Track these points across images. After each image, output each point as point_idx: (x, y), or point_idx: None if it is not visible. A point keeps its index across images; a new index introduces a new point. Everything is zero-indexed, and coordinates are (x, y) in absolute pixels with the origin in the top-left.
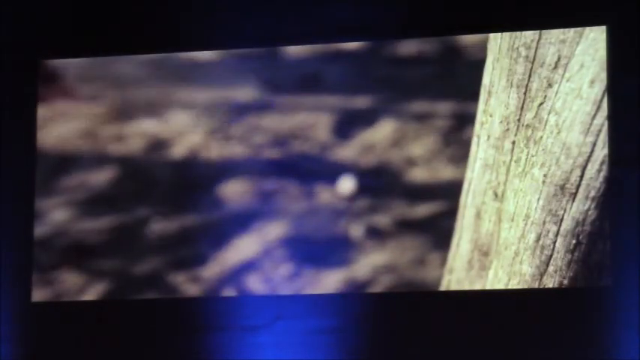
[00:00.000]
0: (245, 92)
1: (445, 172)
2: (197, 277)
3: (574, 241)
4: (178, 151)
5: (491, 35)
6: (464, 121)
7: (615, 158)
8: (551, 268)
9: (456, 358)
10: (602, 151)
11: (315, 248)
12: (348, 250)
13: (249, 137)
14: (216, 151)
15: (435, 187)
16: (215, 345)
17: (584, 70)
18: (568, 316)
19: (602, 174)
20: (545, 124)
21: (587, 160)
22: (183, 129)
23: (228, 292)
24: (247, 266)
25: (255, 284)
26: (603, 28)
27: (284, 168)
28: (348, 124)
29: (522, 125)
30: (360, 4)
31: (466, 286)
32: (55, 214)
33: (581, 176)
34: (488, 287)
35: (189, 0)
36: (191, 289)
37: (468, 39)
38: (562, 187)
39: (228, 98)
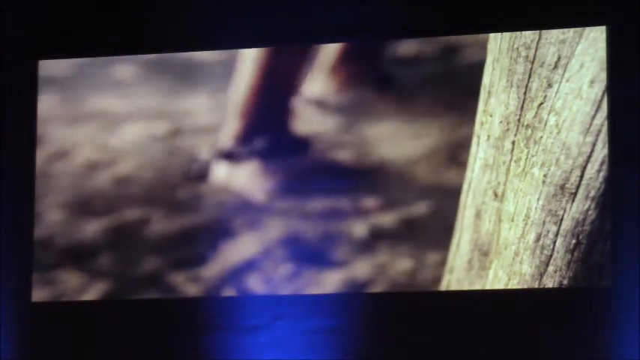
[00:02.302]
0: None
1: (445, 172)
2: (197, 277)
3: (574, 241)
4: (179, 150)
5: (491, 35)
6: (464, 121)
7: (615, 158)
8: (551, 268)
9: (455, 358)
10: (602, 151)
11: (315, 248)
12: (348, 250)
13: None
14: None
15: (435, 187)
16: (215, 345)
17: (584, 70)
18: (568, 316)
19: (602, 174)
20: (545, 124)
21: (587, 160)
22: (183, 129)
23: (228, 292)
24: (247, 266)
25: (255, 284)
26: (603, 28)
27: (284, 168)
28: (348, 124)
29: (522, 125)
30: (360, 4)
31: (466, 286)
32: (54, 214)
33: (581, 176)
34: (488, 287)
35: (189, 0)
36: (191, 289)
37: (468, 39)
38: (562, 187)
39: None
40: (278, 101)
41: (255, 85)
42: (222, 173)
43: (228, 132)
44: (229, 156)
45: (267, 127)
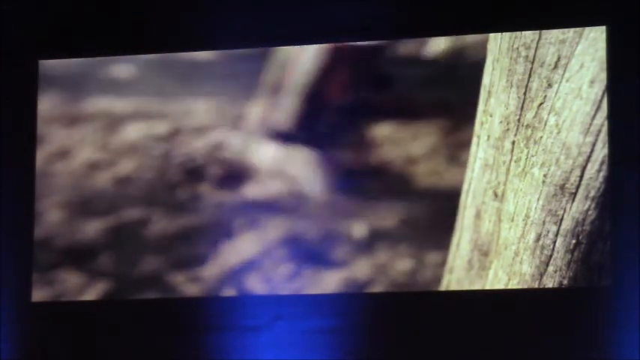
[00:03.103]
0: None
1: (445, 172)
2: (197, 277)
3: (574, 241)
4: (179, 150)
5: (491, 35)
6: (464, 121)
7: (615, 158)
8: (551, 268)
9: (455, 358)
10: (602, 151)
11: (315, 248)
12: (348, 250)
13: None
14: (217, 151)
15: (435, 187)
16: (215, 345)
17: (584, 70)
18: (568, 316)
19: (602, 174)
20: (545, 124)
21: (587, 160)
22: (183, 129)
23: (228, 292)
24: (247, 266)
25: (255, 284)
26: (603, 28)
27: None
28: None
29: (522, 125)
30: (360, 4)
31: (466, 286)
32: (54, 214)
33: (581, 176)
34: (488, 287)
35: (189, 0)
36: (191, 289)
37: (468, 39)
38: (562, 187)
39: (229, 98)
40: (342, 86)
41: (327, 67)
42: (270, 154)
43: (284, 110)
44: (284, 137)
45: (330, 114)
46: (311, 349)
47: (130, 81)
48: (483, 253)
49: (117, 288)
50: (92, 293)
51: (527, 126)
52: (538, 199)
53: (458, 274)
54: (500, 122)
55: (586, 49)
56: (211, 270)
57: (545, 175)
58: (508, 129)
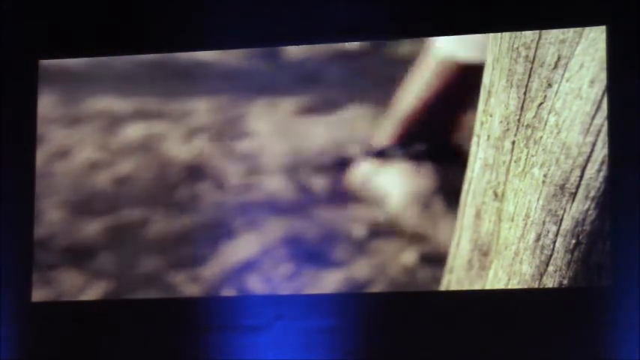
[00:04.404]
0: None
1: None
2: (197, 277)
3: (574, 241)
4: (179, 151)
5: (491, 35)
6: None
7: (615, 158)
8: (551, 268)
9: (455, 358)
10: (602, 151)
11: (315, 248)
12: (348, 250)
13: (250, 138)
14: (217, 151)
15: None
16: (215, 345)
17: (583, 70)
18: (568, 316)
19: (602, 174)
20: (545, 124)
21: (587, 160)
22: (183, 129)
23: (228, 292)
24: (247, 266)
25: (255, 284)
26: (603, 28)
27: (284, 168)
28: (348, 124)
29: (522, 125)
30: (360, 4)
31: (466, 286)
32: (54, 214)
33: (581, 176)
34: (488, 287)
35: (189, 0)
36: (191, 289)
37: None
38: (562, 187)
39: (229, 98)
40: (445, 114)
41: (428, 98)
42: (365, 169)
43: (384, 134)
44: (380, 154)
45: (427, 135)
46: (311, 349)
47: (130, 81)
48: (483, 253)
49: (117, 288)
50: (92, 293)
51: (527, 126)
52: (538, 199)
53: (458, 274)
54: (500, 122)
55: (586, 49)
56: (211, 270)
57: (545, 175)
58: (508, 129)
